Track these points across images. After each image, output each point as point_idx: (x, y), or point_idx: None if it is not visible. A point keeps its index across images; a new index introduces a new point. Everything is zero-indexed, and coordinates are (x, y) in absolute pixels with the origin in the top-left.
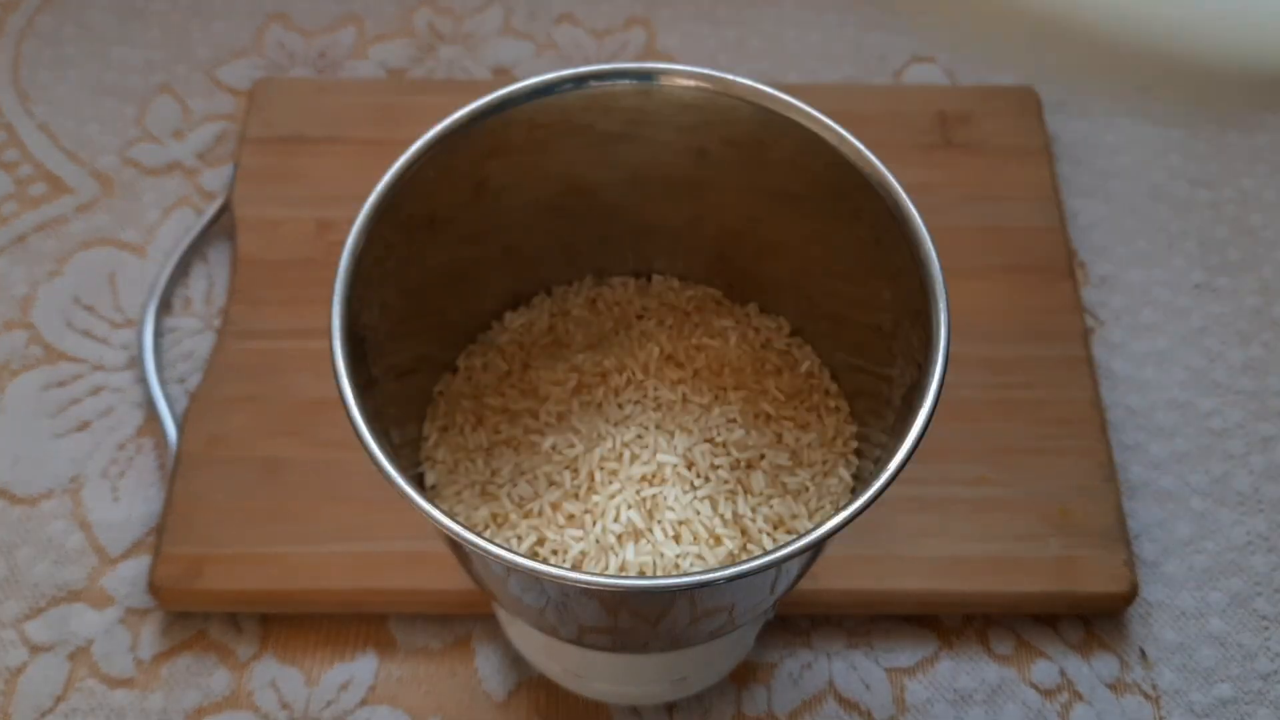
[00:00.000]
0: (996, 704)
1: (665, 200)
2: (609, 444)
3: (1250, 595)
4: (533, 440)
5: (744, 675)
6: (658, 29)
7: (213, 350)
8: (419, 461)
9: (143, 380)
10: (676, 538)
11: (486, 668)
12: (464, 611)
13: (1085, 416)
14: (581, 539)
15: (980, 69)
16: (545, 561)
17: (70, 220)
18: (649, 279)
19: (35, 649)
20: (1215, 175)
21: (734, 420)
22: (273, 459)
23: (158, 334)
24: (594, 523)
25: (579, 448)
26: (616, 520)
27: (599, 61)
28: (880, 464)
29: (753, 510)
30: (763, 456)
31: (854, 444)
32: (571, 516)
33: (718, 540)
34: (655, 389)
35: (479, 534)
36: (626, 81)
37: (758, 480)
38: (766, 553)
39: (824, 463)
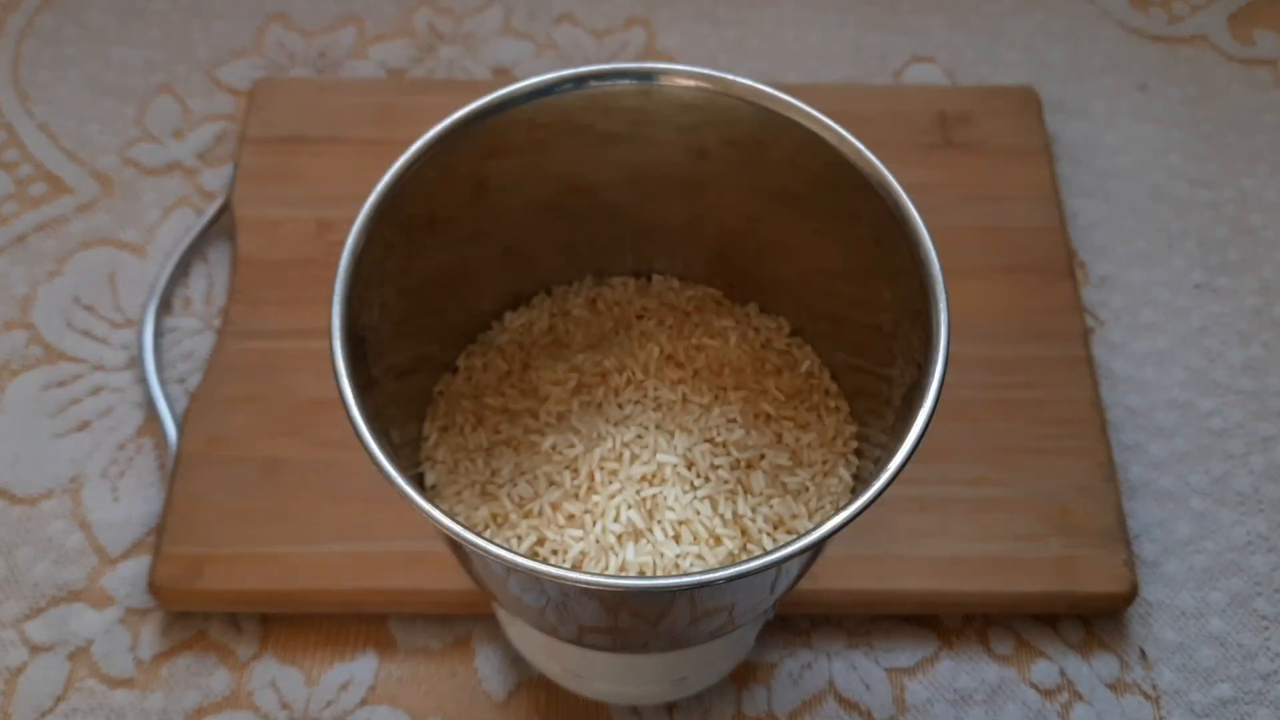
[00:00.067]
0: (996, 704)
1: (665, 200)
2: (609, 444)
3: (1250, 595)
4: (533, 440)
5: (744, 675)
6: (658, 29)
7: (213, 350)
8: (419, 461)
9: (143, 380)
10: (676, 538)
11: (486, 668)
12: (464, 611)
13: (1085, 416)
14: (581, 539)
15: (980, 69)
16: (545, 561)
17: (70, 220)
18: (649, 279)
19: (35, 649)
20: (1215, 175)
21: (734, 420)
22: (273, 459)
23: (158, 334)
24: (594, 523)
25: (579, 448)
26: (616, 520)
27: (599, 61)
28: (880, 464)
29: (753, 510)
30: (763, 456)
31: (854, 444)
32: (571, 516)
33: (718, 540)
34: (655, 389)
35: (479, 534)
36: (626, 81)
37: (758, 480)
38: (766, 553)
39: (824, 463)
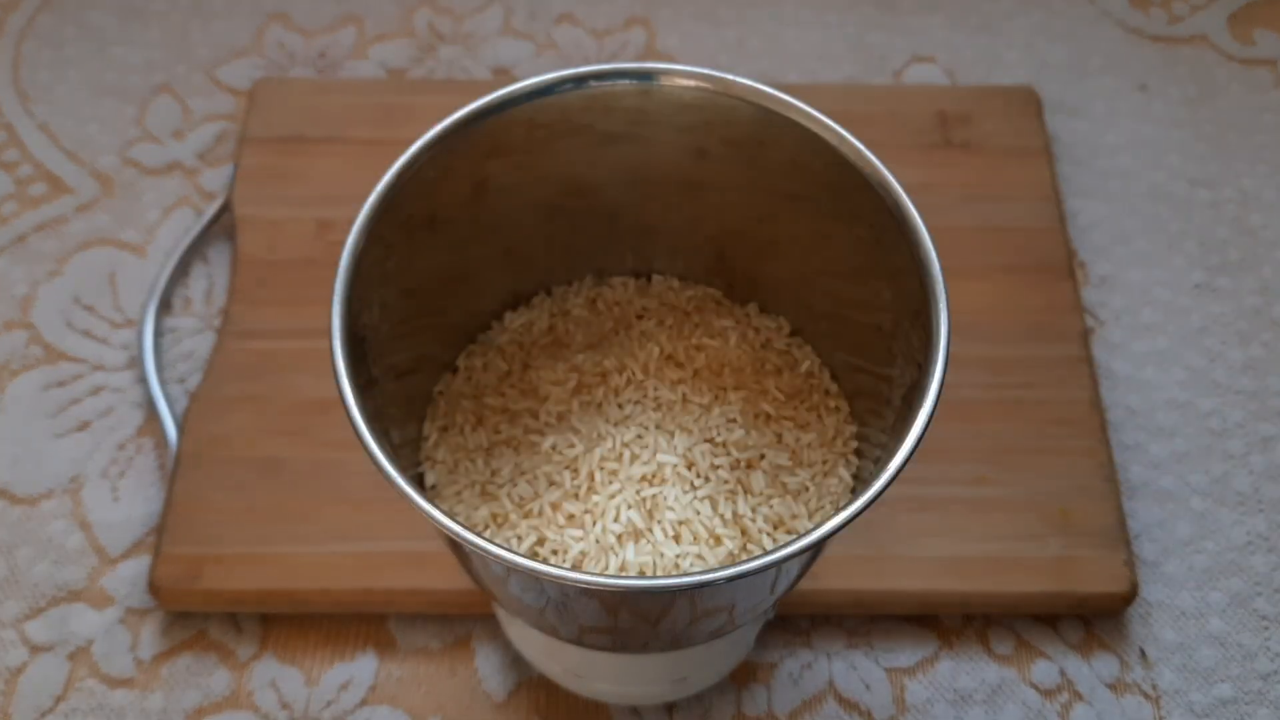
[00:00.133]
0: (996, 704)
1: (665, 200)
2: (609, 444)
3: (1250, 595)
4: (533, 440)
5: (744, 675)
6: (658, 29)
7: (213, 350)
8: (419, 461)
9: (143, 380)
10: (676, 538)
11: (486, 668)
12: (464, 611)
13: (1085, 416)
14: (581, 539)
15: (980, 69)
16: (545, 561)
17: (70, 220)
18: (649, 279)
19: (35, 649)
20: (1215, 175)
21: (734, 420)
22: (273, 459)
23: (158, 334)
24: (594, 523)
25: (579, 448)
26: (616, 520)
27: (599, 61)
28: (880, 464)
29: (753, 510)
30: (763, 456)
31: (854, 444)
32: (571, 516)
33: (718, 540)
34: (655, 389)
35: (479, 534)
36: (626, 81)
37: (758, 480)
38: (766, 553)
39: (824, 463)
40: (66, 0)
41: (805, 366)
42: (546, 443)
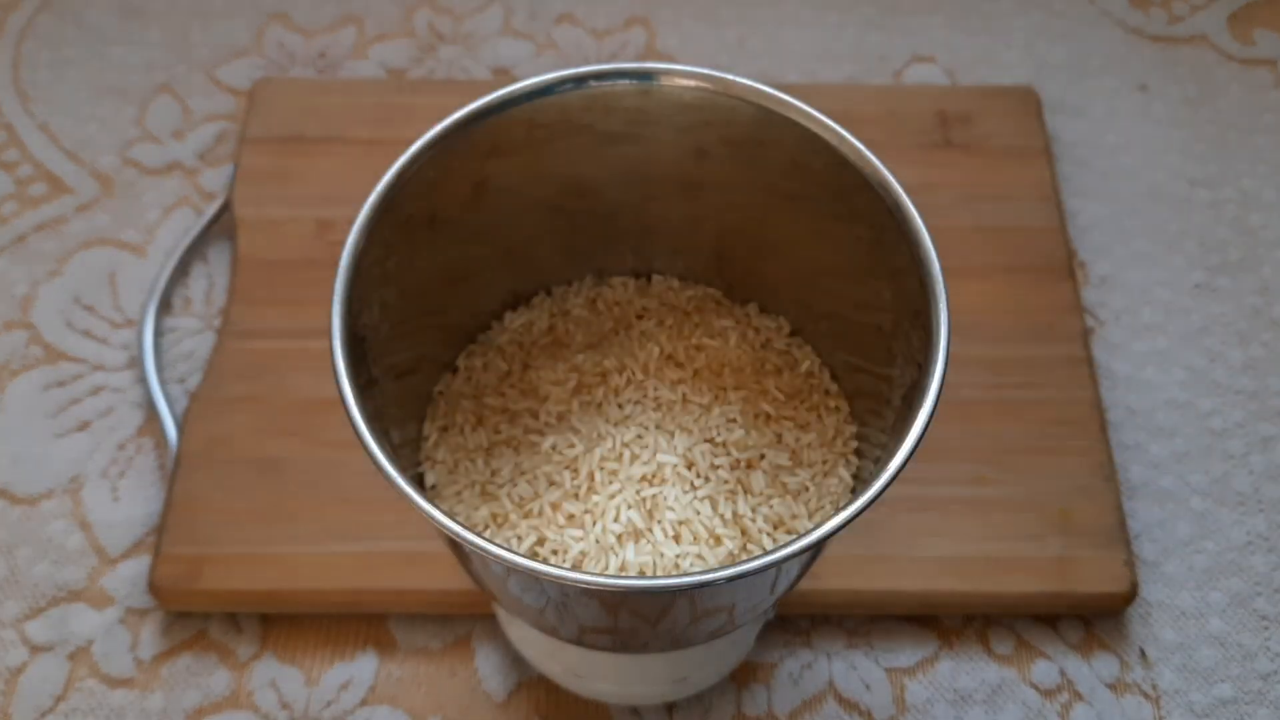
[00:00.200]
0: (996, 704)
1: (665, 200)
2: (609, 444)
3: (1250, 595)
4: (533, 440)
5: (744, 675)
6: (658, 29)
7: (213, 350)
8: (419, 461)
9: (143, 380)
10: (676, 538)
11: (486, 668)
12: (464, 611)
13: (1085, 416)
14: (581, 539)
15: (980, 69)
16: (545, 561)
17: (70, 220)
18: (649, 279)
19: (35, 649)
20: (1215, 175)
21: (734, 420)
22: (273, 459)
23: (158, 334)
24: (594, 523)
25: (579, 448)
26: (616, 520)
27: (599, 61)
28: (880, 464)
29: (753, 510)
30: (763, 456)
31: (854, 444)
32: (571, 516)
33: (718, 540)
34: (655, 389)
35: (479, 534)
36: (626, 81)
37: (758, 480)
38: (766, 553)
39: (824, 463)
40: (66, 0)
41: (805, 366)
42: (546, 443)
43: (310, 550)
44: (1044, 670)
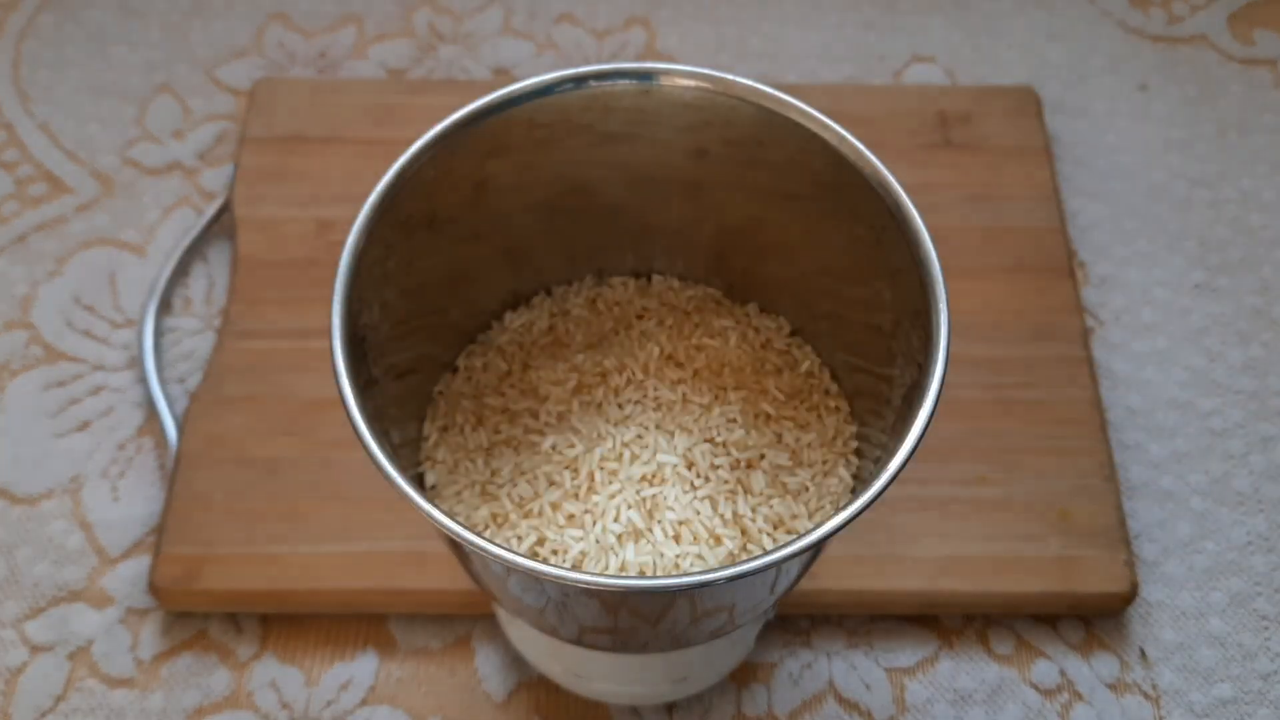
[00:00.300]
0: (996, 704)
1: (665, 200)
2: (609, 444)
3: (1250, 595)
4: (533, 440)
5: (744, 675)
6: (658, 29)
7: (213, 350)
8: (419, 461)
9: (143, 380)
10: (676, 538)
11: (486, 668)
12: (464, 611)
13: (1085, 416)
14: (581, 539)
15: (980, 69)
16: (545, 561)
17: (70, 220)
18: (649, 279)
19: (35, 649)
20: (1215, 175)
21: (734, 420)
22: (273, 459)
23: (158, 334)
24: (594, 523)
25: (579, 448)
26: (616, 520)
27: (599, 61)
28: (880, 464)
29: (753, 510)
30: (763, 456)
31: (854, 444)
32: (571, 516)
33: (718, 540)
34: (655, 389)
35: (479, 534)
36: (626, 81)
37: (758, 480)
38: (766, 553)
39: (824, 463)
40: (66, 0)
41: (805, 366)
42: (546, 443)
43: (310, 550)
44: (1044, 670)
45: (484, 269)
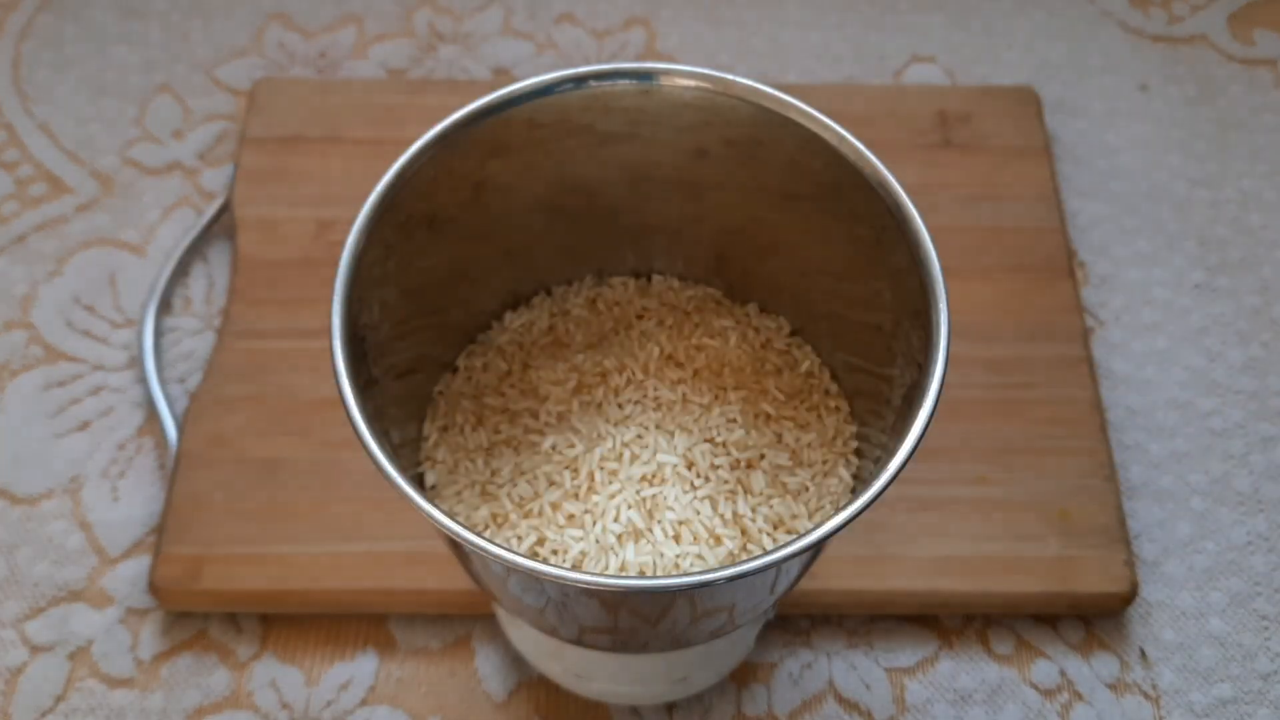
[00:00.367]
0: (996, 704)
1: (665, 200)
2: (609, 444)
3: (1250, 595)
4: (533, 440)
5: (744, 675)
6: (658, 29)
7: (213, 350)
8: (419, 461)
9: (143, 380)
10: (676, 538)
11: (486, 668)
12: (464, 611)
13: (1085, 416)
14: (581, 539)
15: (980, 69)
16: (545, 561)
17: (70, 220)
18: (649, 279)
19: (35, 649)
20: (1215, 175)
21: (734, 420)
22: (273, 459)
23: (158, 334)
24: (594, 523)
25: (579, 448)
26: (616, 520)
27: (599, 61)
28: (880, 464)
29: (753, 510)
30: (763, 456)
31: (854, 444)
32: (571, 516)
33: (718, 540)
34: (655, 389)
35: (479, 534)
36: (626, 81)
37: (758, 480)
38: (766, 553)
39: (824, 463)
40: (66, 0)
41: (805, 366)
42: (546, 443)
43: (310, 550)
44: (1044, 670)
45: (484, 269)
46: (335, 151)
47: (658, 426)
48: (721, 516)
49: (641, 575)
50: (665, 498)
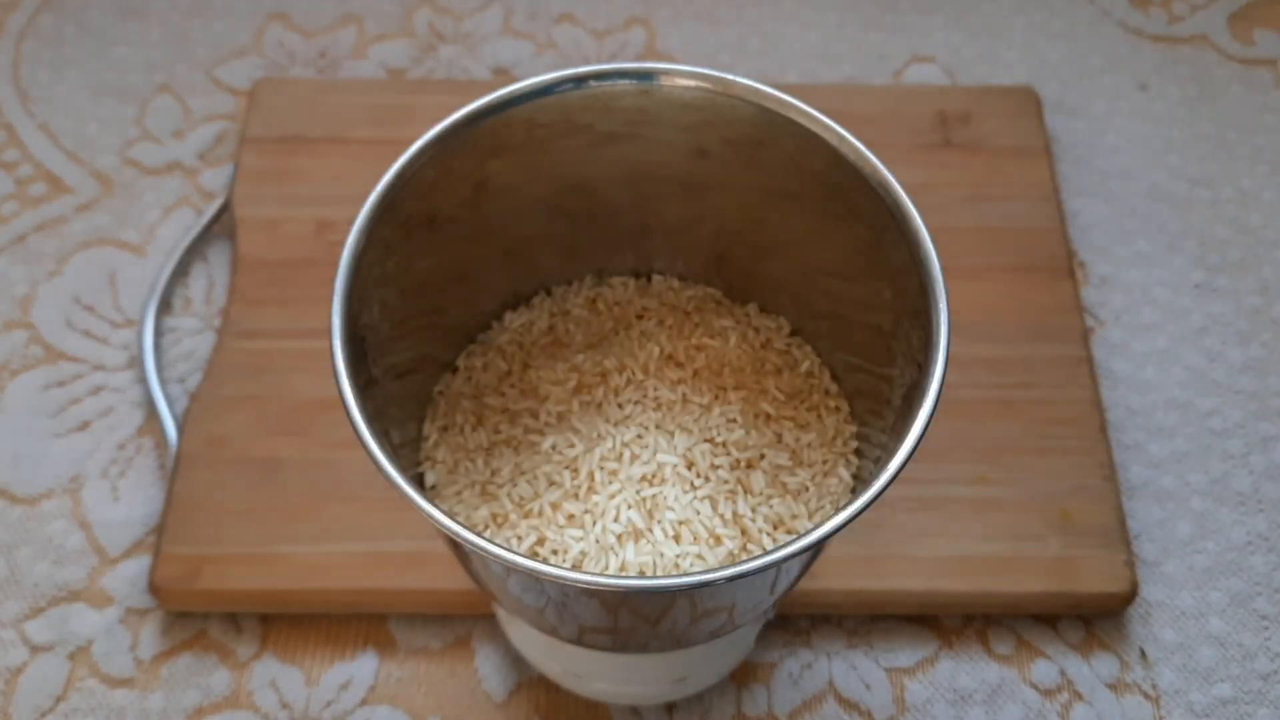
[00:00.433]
0: (996, 704)
1: (665, 200)
2: (609, 444)
3: (1250, 595)
4: (533, 440)
5: (744, 675)
6: (658, 29)
7: (213, 350)
8: (419, 461)
9: (143, 380)
10: (676, 538)
11: (486, 668)
12: (464, 611)
13: (1085, 416)
14: (581, 539)
15: (980, 69)
16: (545, 561)
17: (70, 220)
18: (649, 279)
19: (35, 649)
20: (1215, 175)
21: (734, 420)
22: (273, 459)
23: (158, 334)
24: (594, 523)
25: (579, 448)
26: (616, 520)
27: (599, 61)
28: (880, 464)
29: (753, 510)
30: (763, 456)
31: (854, 444)
32: (571, 516)
33: (718, 540)
34: (655, 389)
35: (479, 534)
36: (626, 81)
37: (758, 480)
38: (766, 553)
39: (824, 463)
40: (66, 0)
41: (805, 366)
42: (546, 443)
43: (310, 550)
44: (1044, 670)
45: (484, 269)
46: (335, 151)
47: (658, 426)
48: (721, 516)
49: (641, 575)
50: (665, 498)
